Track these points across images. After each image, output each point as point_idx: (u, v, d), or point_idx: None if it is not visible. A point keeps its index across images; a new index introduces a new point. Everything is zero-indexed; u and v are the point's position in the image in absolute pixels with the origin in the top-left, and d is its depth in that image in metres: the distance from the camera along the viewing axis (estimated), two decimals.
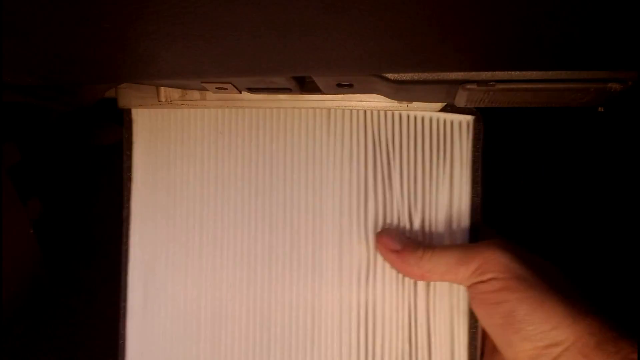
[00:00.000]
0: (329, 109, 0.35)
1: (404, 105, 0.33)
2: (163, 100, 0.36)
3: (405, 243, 0.31)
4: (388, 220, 0.33)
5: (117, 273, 0.50)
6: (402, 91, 0.27)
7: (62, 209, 0.54)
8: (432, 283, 0.32)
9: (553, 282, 0.27)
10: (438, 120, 0.34)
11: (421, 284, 0.32)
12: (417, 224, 0.33)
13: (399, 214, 0.33)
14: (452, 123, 0.33)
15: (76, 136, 0.58)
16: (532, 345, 0.25)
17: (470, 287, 0.29)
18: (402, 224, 0.33)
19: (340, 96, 0.34)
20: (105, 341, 0.47)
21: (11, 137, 0.44)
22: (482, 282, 0.28)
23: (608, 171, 0.48)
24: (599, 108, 0.28)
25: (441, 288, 0.32)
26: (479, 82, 0.24)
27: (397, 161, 0.33)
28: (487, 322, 0.28)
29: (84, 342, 0.47)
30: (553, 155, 0.50)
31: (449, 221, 0.33)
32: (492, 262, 0.28)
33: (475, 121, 0.33)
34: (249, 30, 0.18)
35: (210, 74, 0.26)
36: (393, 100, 0.33)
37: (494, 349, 0.30)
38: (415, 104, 0.33)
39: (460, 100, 0.26)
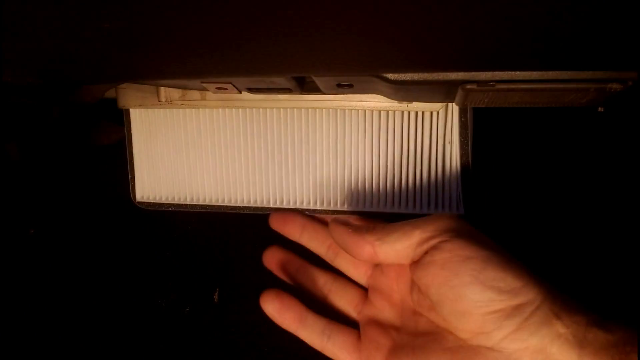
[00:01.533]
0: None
1: (404, 105, 0.33)
2: (163, 100, 0.36)
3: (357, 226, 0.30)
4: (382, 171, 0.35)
5: (117, 273, 0.50)
6: (402, 91, 0.27)
7: (62, 208, 0.54)
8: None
9: (508, 253, 0.27)
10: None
11: None
12: (410, 182, 0.35)
13: (393, 168, 0.35)
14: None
15: (76, 136, 0.58)
16: (504, 304, 0.24)
17: (430, 251, 0.27)
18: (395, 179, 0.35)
19: (340, 96, 0.34)
20: (106, 341, 0.47)
21: (11, 137, 0.44)
22: (447, 240, 0.26)
23: (608, 171, 0.48)
24: (599, 108, 0.27)
25: None
26: (479, 82, 0.24)
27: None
28: (450, 282, 0.26)
29: (84, 342, 0.47)
30: (553, 156, 0.50)
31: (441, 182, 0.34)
32: (451, 224, 0.27)
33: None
34: (249, 31, 0.18)
35: (211, 74, 0.26)
36: (393, 100, 0.33)
37: (423, 333, 0.28)
38: (415, 104, 0.33)
39: (460, 100, 0.26)
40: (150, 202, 0.39)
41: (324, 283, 0.35)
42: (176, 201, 0.39)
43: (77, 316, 0.48)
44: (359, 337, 0.32)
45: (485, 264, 0.25)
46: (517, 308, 0.24)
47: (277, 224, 0.37)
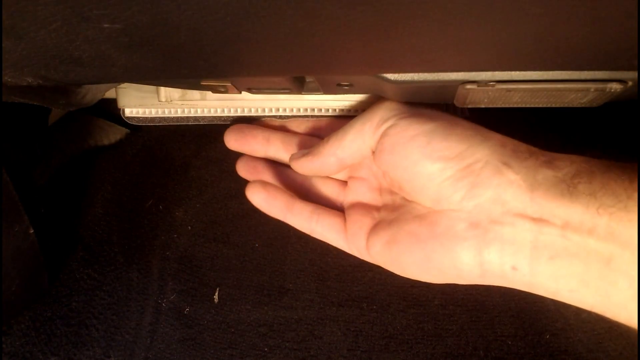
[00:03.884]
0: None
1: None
2: (163, 100, 0.36)
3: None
4: None
5: (117, 273, 0.50)
6: (402, 91, 0.27)
7: (62, 208, 0.54)
8: None
9: (453, 117, 0.28)
10: None
11: None
12: None
13: None
14: None
15: (76, 137, 0.58)
16: (454, 169, 0.26)
17: (380, 139, 0.29)
18: None
19: (340, 96, 0.34)
20: (106, 341, 0.47)
21: (11, 136, 0.44)
22: (392, 125, 0.28)
23: None
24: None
25: None
26: (479, 82, 0.24)
27: None
28: (401, 164, 0.28)
29: (84, 342, 0.47)
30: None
31: None
32: (393, 108, 0.29)
33: None
34: (249, 31, 0.18)
35: (211, 75, 0.26)
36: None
37: (397, 207, 0.30)
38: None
39: (460, 100, 0.26)
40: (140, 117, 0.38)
41: (302, 180, 0.37)
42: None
43: (77, 316, 0.48)
44: (344, 219, 0.34)
45: (428, 138, 0.27)
46: (466, 169, 0.26)
47: (236, 141, 0.37)
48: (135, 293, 0.49)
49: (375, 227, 0.31)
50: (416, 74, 0.24)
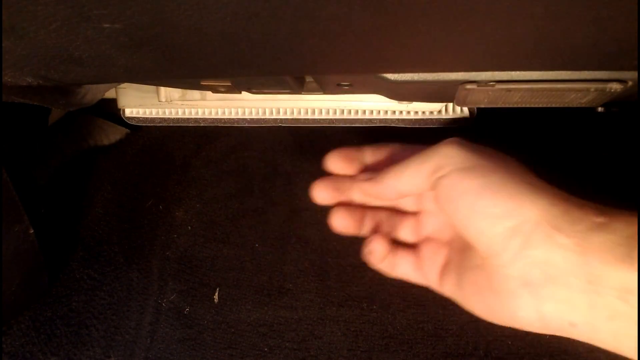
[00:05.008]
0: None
1: (404, 105, 0.33)
2: (163, 100, 0.36)
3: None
4: None
5: (117, 273, 0.50)
6: (402, 91, 0.27)
7: (62, 208, 0.54)
8: None
9: (511, 168, 0.28)
10: None
11: None
12: None
13: None
14: None
15: (76, 137, 0.58)
16: (503, 227, 0.26)
17: (434, 187, 0.29)
18: None
19: (340, 96, 0.34)
20: (106, 341, 0.47)
21: (11, 137, 0.44)
22: (443, 176, 0.28)
23: (607, 172, 0.48)
24: (599, 108, 0.27)
25: None
26: (479, 82, 0.24)
27: None
28: (455, 217, 0.28)
29: (84, 342, 0.47)
30: (553, 156, 0.50)
31: None
32: (450, 156, 0.28)
33: None
34: (249, 31, 0.18)
35: (211, 74, 0.26)
36: (393, 100, 0.33)
37: (463, 249, 0.30)
38: (415, 104, 0.33)
39: (460, 100, 0.26)
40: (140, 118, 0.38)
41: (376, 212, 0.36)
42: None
43: (77, 316, 0.48)
44: (418, 256, 0.34)
45: (478, 194, 0.27)
46: (516, 228, 0.25)
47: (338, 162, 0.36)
48: (135, 293, 0.49)
49: (445, 268, 0.31)
50: (416, 74, 0.24)
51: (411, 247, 0.35)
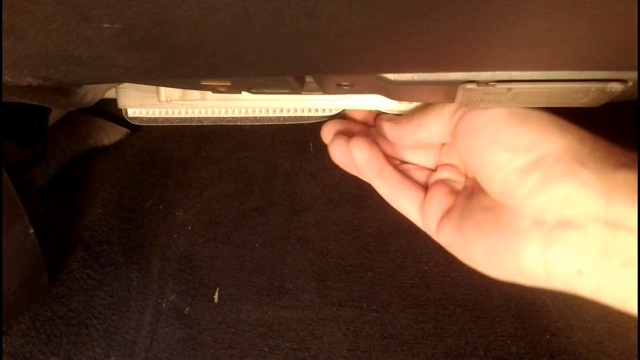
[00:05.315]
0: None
1: (404, 105, 0.33)
2: (163, 100, 0.36)
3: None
4: None
5: (117, 273, 0.50)
6: (402, 91, 0.27)
7: (62, 209, 0.54)
8: None
9: (537, 110, 0.27)
10: None
11: None
12: None
13: None
14: None
15: (76, 137, 0.58)
16: (523, 161, 0.24)
17: (457, 124, 0.28)
18: None
19: (340, 96, 0.34)
20: (106, 341, 0.47)
21: (11, 136, 0.44)
22: (465, 112, 0.27)
23: None
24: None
25: None
26: (479, 82, 0.24)
27: None
28: (473, 154, 0.27)
29: (84, 342, 0.47)
30: None
31: None
32: None
33: None
34: (249, 31, 0.18)
35: (211, 74, 0.26)
36: (393, 101, 0.33)
37: (471, 194, 0.29)
38: (415, 104, 0.33)
39: (460, 100, 0.26)
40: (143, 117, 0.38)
41: (393, 153, 0.36)
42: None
43: (77, 316, 0.48)
44: (425, 196, 0.33)
45: (500, 127, 0.26)
46: (536, 162, 0.24)
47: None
48: (135, 293, 0.49)
49: (449, 211, 0.30)
50: (416, 74, 0.24)
51: (419, 185, 0.34)
